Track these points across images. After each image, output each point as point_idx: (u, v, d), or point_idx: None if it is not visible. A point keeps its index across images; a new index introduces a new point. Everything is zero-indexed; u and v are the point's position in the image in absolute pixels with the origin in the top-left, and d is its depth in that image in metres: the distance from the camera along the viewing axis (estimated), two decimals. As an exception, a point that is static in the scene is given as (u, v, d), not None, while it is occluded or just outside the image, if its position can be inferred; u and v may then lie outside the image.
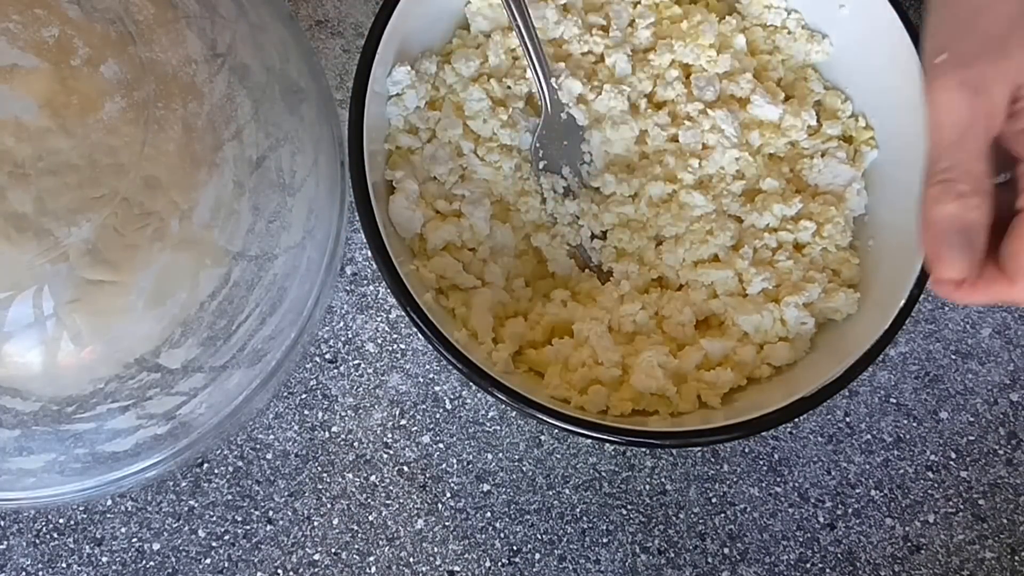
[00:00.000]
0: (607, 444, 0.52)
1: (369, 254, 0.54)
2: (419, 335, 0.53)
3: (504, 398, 0.43)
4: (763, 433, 0.53)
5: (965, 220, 0.38)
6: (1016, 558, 0.52)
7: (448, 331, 0.45)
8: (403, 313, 0.53)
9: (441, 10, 0.52)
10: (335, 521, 0.51)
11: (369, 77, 0.47)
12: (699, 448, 0.53)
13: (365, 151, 0.46)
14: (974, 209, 0.38)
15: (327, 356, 0.53)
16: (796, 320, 0.47)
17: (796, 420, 0.53)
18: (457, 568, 0.51)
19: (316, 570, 0.50)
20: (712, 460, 0.53)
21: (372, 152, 0.47)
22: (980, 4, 0.40)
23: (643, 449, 0.52)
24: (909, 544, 0.52)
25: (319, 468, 0.52)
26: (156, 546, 0.50)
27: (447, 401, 0.53)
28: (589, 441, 0.52)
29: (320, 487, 0.51)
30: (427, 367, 0.53)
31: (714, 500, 0.52)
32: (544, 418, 0.43)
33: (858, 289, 0.48)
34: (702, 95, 0.50)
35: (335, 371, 0.53)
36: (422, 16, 0.50)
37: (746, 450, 0.53)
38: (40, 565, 0.50)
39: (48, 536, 0.50)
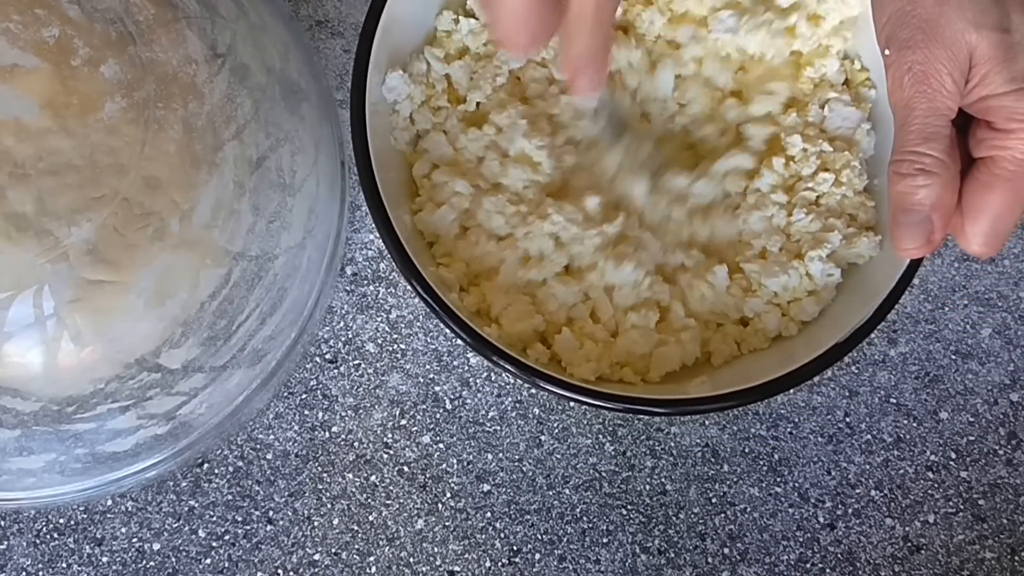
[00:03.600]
0: (607, 443, 0.52)
1: (369, 254, 0.54)
2: (418, 335, 0.53)
3: (516, 371, 0.44)
4: (760, 432, 0.53)
5: (912, 199, 0.41)
6: (1016, 558, 0.52)
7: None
8: (403, 314, 0.53)
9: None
10: (335, 521, 0.51)
11: (366, 87, 0.47)
12: (699, 448, 0.53)
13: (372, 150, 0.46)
14: (921, 188, 0.40)
15: (327, 356, 0.53)
16: (822, 273, 0.48)
17: (797, 420, 0.53)
18: (457, 568, 0.51)
19: (316, 570, 0.51)
20: (712, 460, 0.53)
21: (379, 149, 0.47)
22: None
23: (643, 448, 0.52)
24: (909, 544, 0.52)
25: (319, 468, 0.52)
26: (156, 546, 0.50)
27: (447, 401, 0.53)
28: (589, 441, 0.52)
29: (320, 487, 0.51)
30: (427, 367, 0.53)
31: (714, 500, 0.52)
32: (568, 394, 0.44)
33: (876, 231, 0.48)
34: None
35: (335, 371, 0.53)
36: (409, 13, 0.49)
37: (746, 450, 0.53)
38: (40, 565, 0.50)
39: (48, 536, 0.50)
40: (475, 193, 0.49)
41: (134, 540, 0.50)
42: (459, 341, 0.53)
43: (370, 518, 0.51)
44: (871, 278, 0.47)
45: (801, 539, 0.52)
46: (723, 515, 0.52)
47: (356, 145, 0.46)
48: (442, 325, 0.45)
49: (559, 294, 0.48)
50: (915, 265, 0.45)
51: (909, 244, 0.42)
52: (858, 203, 0.49)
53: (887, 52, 0.42)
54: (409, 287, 0.46)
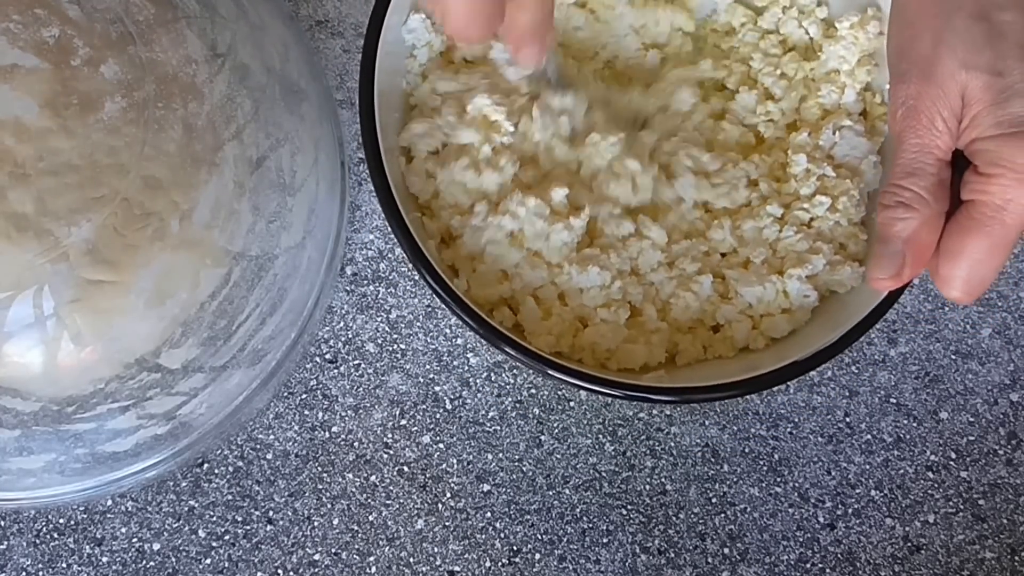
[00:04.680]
0: (607, 443, 0.52)
1: (369, 254, 0.54)
2: (418, 335, 0.53)
3: (513, 353, 0.44)
4: (760, 432, 0.53)
5: (889, 230, 0.41)
6: (1016, 558, 0.52)
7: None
8: (403, 314, 0.53)
9: None
10: (335, 521, 0.51)
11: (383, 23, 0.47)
12: (699, 448, 0.53)
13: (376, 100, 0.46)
14: (898, 220, 0.41)
15: (327, 356, 0.53)
16: (799, 292, 0.47)
17: (797, 420, 0.53)
18: (457, 568, 0.51)
19: (316, 570, 0.51)
20: (712, 460, 0.53)
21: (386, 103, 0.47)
22: (913, 25, 0.42)
23: (643, 449, 0.52)
24: (909, 544, 0.52)
25: (319, 468, 0.52)
26: (156, 546, 0.50)
27: (447, 401, 0.53)
28: (589, 441, 0.52)
29: (320, 487, 0.51)
30: (427, 367, 0.53)
31: (714, 500, 0.52)
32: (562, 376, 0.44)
33: (864, 263, 0.48)
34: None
35: (335, 371, 0.53)
36: None
37: (746, 450, 0.53)
38: (40, 565, 0.50)
39: (48, 536, 0.50)
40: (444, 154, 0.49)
41: (134, 540, 0.50)
42: (458, 341, 0.53)
43: (370, 518, 0.51)
44: (848, 308, 0.47)
45: (801, 539, 0.52)
46: (723, 515, 0.52)
47: (363, 77, 0.46)
48: (417, 276, 0.45)
49: (526, 275, 0.48)
50: (891, 299, 0.45)
51: (877, 273, 0.42)
52: (851, 233, 0.48)
53: (887, 85, 0.42)
54: (414, 281, 0.46)
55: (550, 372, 0.44)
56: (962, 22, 0.40)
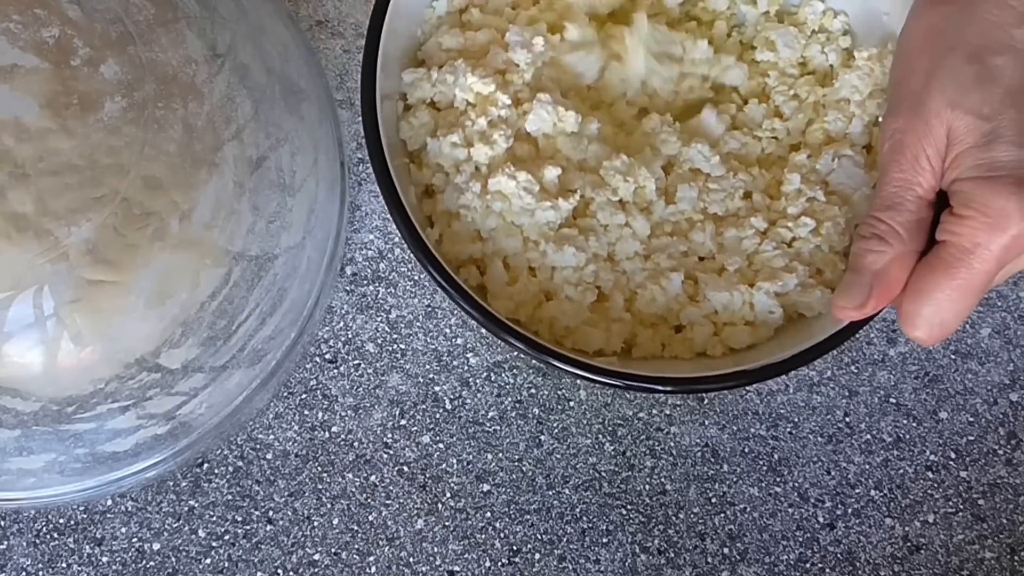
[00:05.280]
0: (607, 443, 0.52)
1: (369, 254, 0.54)
2: (418, 335, 0.53)
3: (508, 340, 0.44)
4: (760, 432, 0.53)
5: (860, 261, 0.41)
6: (1016, 558, 0.52)
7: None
8: (402, 314, 0.53)
9: None
10: (335, 521, 0.51)
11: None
12: (699, 448, 0.53)
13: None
14: (870, 252, 0.41)
15: (327, 356, 0.53)
16: (764, 307, 0.47)
17: (796, 420, 0.53)
18: (457, 568, 0.51)
19: (316, 570, 0.51)
20: (712, 460, 0.53)
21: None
22: (909, 61, 0.42)
23: (642, 448, 0.52)
24: (909, 544, 0.52)
25: (319, 468, 0.52)
26: (156, 546, 0.50)
27: (447, 401, 0.53)
28: (589, 441, 0.52)
29: (320, 487, 0.51)
30: (427, 367, 0.53)
31: (714, 500, 0.52)
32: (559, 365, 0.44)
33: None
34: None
35: (335, 371, 0.53)
36: None
37: (746, 450, 0.53)
38: (40, 565, 0.50)
39: (48, 536, 0.50)
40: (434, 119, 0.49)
41: (134, 540, 0.50)
42: (458, 341, 0.53)
43: (370, 518, 0.51)
44: (812, 333, 0.46)
45: (801, 539, 0.52)
46: (723, 515, 0.52)
47: (375, 13, 0.46)
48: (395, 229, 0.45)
49: (499, 241, 0.48)
50: (852, 330, 0.44)
51: (842, 301, 0.42)
52: (830, 260, 0.48)
53: (880, 117, 0.42)
54: (414, 270, 0.46)
55: (506, 337, 0.44)
56: (956, 62, 0.40)
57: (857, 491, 0.53)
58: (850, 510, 0.52)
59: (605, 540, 0.51)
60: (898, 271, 0.41)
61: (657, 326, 0.48)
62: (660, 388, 0.45)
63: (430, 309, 0.54)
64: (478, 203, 0.47)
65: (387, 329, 0.53)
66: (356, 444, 0.52)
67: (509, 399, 0.53)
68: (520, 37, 0.49)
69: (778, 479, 0.53)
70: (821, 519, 0.52)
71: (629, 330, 0.48)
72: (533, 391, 0.53)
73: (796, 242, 0.48)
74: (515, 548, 0.51)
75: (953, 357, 0.55)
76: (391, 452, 0.52)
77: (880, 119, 0.51)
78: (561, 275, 0.47)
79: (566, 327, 0.47)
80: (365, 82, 0.46)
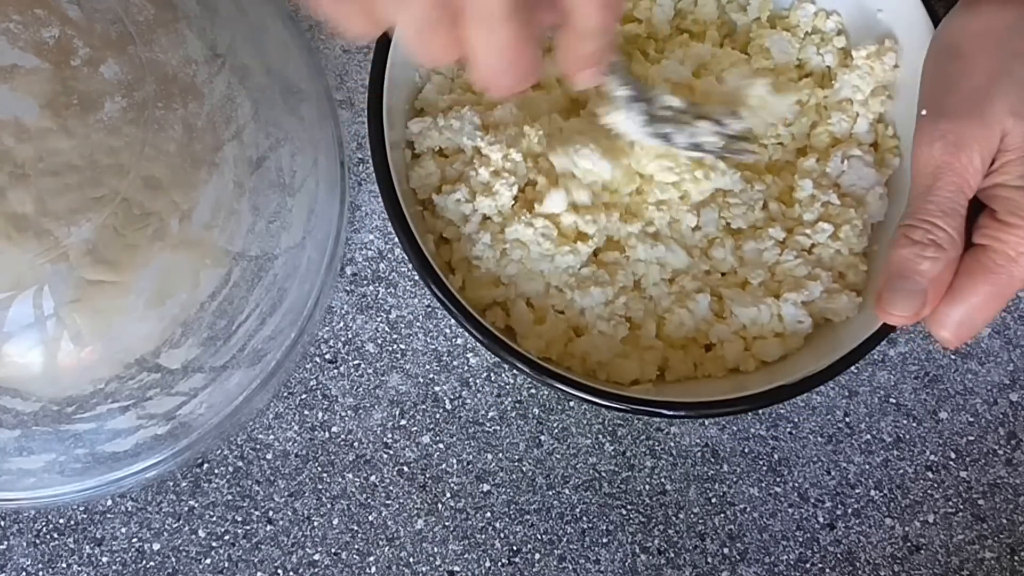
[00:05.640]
0: (607, 443, 0.52)
1: (369, 255, 0.54)
2: (418, 335, 0.53)
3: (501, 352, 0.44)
4: (759, 432, 0.53)
5: (915, 267, 0.40)
6: (1016, 558, 0.52)
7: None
8: (402, 314, 0.53)
9: None
10: (335, 521, 0.51)
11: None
12: (699, 448, 0.53)
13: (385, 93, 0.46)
14: (926, 259, 0.40)
15: (327, 356, 0.53)
16: (793, 317, 0.47)
17: (796, 420, 0.53)
18: (457, 568, 0.51)
19: (316, 570, 0.51)
20: (712, 460, 0.53)
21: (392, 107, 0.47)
22: (966, 60, 0.41)
23: (642, 448, 0.52)
24: (909, 544, 0.52)
25: (319, 468, 0.52)
26: (156, 546, 0.50)
27: (447, 401, 0.53)
28: (588, 441, 0.52)
29: (320, 487, 0.51)
30: (427, 367, 0.53)
31: (714, 500, 0.52)
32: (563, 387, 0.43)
33: (862, 294, 0.48)
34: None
35: (335, 371, 0.53)
36: None
37: (746, 450, 0.53)
38: (40, 565, 0.50)
39: (48, 536, 0.50)
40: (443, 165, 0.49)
41: (134, 540, 0.50)
42: (458, 341, 0.53)
43: (370, 518, 0.51)
44: (842, 338, 0.46)
45: (801, 539, 0.52)
46: (723, 515, 0.52)
47: (374, 67, 0.46)
48: (407, 259, 0.45)
49: (521, 285, 0.48)
50: (884, 332, 0.44)
51: (899, 311, 0.41)
52: (851, 263, 0.48)
53: (924, 112, 0.41)
54: (411, 275, 0.46)
55: (542, 378, 0.44)
56: (1021, 69, 0.40)
57: (857, 491, 0.53)
58: (850, 510, 0.52)
59: (605, 540, 0.51)
60: (948, 275, 0.40)
61: (687, 348, 0.48)
62: (712, 412, 0.45)
63: (430, 309, 0.54)
64: (490, 253, 0.47)
65: (387, 329, 0.53)
66: (356, 444, 0.52)
67: (509, 399, 0.53)
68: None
69: (778, 479, 0.53)
70: (821, 519, 0.52)
71: (660, 355, 0.48)
72: (533, 391, 0.53)
73: (816, 248, 0.48)
74: (515, 548, 0.51)
75: (953, 357, 0.55)
76: (391, 452, 0.52)
77: (884, 116, 0.51)
78: (593, 312, 0.47)
79: (598, 361, 0.47)
80: (373, 137, 0.45)
